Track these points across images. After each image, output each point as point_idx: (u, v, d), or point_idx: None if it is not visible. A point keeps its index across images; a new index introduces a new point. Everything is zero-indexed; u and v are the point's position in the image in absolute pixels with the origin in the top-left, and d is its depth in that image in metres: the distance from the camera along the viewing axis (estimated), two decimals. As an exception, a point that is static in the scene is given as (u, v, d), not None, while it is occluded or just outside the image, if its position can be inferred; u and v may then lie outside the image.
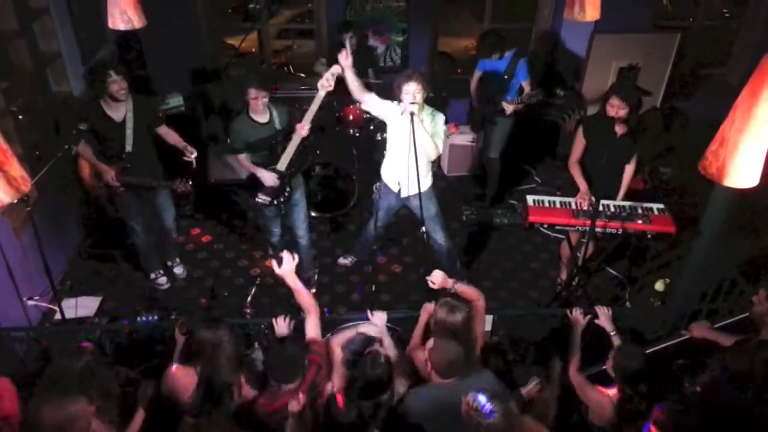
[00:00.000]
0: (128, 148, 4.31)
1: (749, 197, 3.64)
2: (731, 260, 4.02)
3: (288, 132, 4.32)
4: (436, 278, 3.39)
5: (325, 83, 3.99)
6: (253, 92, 4.14)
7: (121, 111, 4.25)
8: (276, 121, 4.32)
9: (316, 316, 3.28)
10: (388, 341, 3.34)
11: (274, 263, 3.34)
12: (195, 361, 3.00)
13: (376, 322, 3.43)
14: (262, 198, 4.40)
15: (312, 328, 3.27)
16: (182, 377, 2.96)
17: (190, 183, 4.34)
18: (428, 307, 3.46)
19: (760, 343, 3.07)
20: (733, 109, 1.94)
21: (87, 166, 4.85)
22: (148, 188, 4.53)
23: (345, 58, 3.90)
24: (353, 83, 4.03)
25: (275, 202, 4.44)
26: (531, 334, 3.70)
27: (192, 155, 4.33)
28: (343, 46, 5.77)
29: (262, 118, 4.30)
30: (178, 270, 5.18)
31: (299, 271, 4.48)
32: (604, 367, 3.13)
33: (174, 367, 3.03)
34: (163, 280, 5.06)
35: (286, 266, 3.29)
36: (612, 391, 3.03)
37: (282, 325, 3.44)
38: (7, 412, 2.84)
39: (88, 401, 2.52)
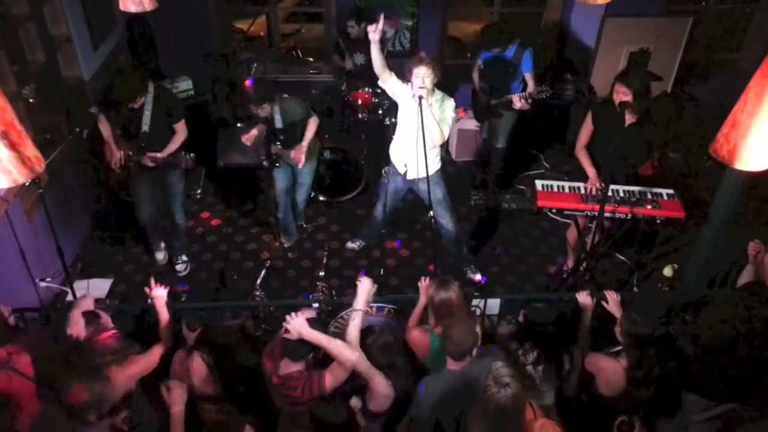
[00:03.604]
0: (145, 128, 4.37)
1: (760, 182, 3.66)
2: (741, 246, 4.01)
3: (291, 130, 4.67)
4: None
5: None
6: (252, 108, 4.56)
7: (139, 101, 4.30)
8: (278, 120, 4.61)
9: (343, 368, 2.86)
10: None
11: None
12: (203, 349, 3.08)
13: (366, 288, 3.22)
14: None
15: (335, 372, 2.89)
16: (188, 360, 3.05)
17: (192, 155, 4.42)
18: (425, 286, 3.46)
19: None
20: (745, 92, 1.92)
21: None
22: (156, 167, 4.50)
23: (374, 32, 3.89)
24: (377, 59, 4.04)
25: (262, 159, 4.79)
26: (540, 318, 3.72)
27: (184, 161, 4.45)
28: (347, 33, 5.85)
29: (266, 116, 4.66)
30: (180, 267, 5.06)
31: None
32: (619, 348, 3.17)
33: (180, 352, 3.12)
34: (160, 255, 5.12)
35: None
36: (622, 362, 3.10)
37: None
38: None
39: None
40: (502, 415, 2.47)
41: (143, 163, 4.40)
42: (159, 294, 3.31)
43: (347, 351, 2.84)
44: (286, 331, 2.83)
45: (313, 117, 4.72)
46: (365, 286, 3.15)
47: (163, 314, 3.29)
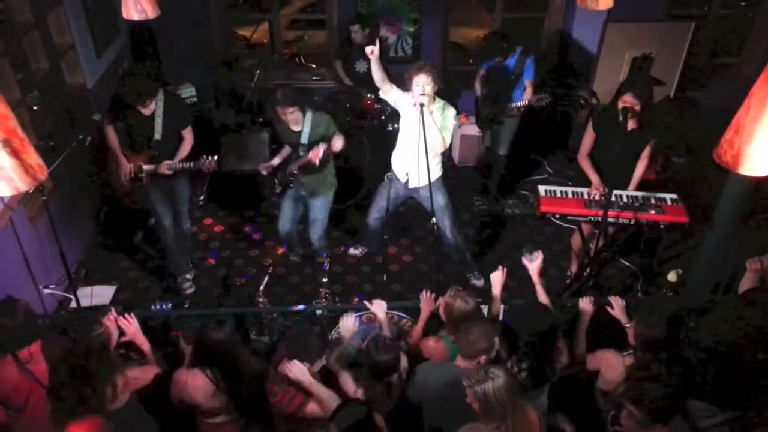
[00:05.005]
0: (157, 136, 4.33)
1: (763, 187, 3.64)
2: (745, 251, 3.99)
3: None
4: None
5: None
6: (279, 110, 4.25)
7: (150, 107, 4.26)
8: (305, 135, 4.37)
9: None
10: (386, 327, 3.42)
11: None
12: (202, 365, 2.97)
13: (376, 311, 3.47)
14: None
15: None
16: (191, 379, 2.95)
17: (216, 158, 4.34)
18: (428, 300, 3.50)
19: None
20: (748, 97, 1.92)
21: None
22: (171, 175, 4.41)
23: (371, 53, 3.96)
24: (377, 74, 4.09)
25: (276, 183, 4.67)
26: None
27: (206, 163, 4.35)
28: (350, 39, 5.85)
29: (295, 127, 4.39)
30: (186, 285, 4.90)
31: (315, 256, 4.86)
32: (629, 351, 3.18)
33: (180, 371, 3.02)
34: (188, 284, 4.88)
35: None
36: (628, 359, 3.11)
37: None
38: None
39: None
40: None
41: (159, 173, 4.33)
42: (129, 325, 3.21)
43: (334, 404, 2.86)
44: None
45: (338, 134, 4.43)
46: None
47: (143, 344, 3.22)
